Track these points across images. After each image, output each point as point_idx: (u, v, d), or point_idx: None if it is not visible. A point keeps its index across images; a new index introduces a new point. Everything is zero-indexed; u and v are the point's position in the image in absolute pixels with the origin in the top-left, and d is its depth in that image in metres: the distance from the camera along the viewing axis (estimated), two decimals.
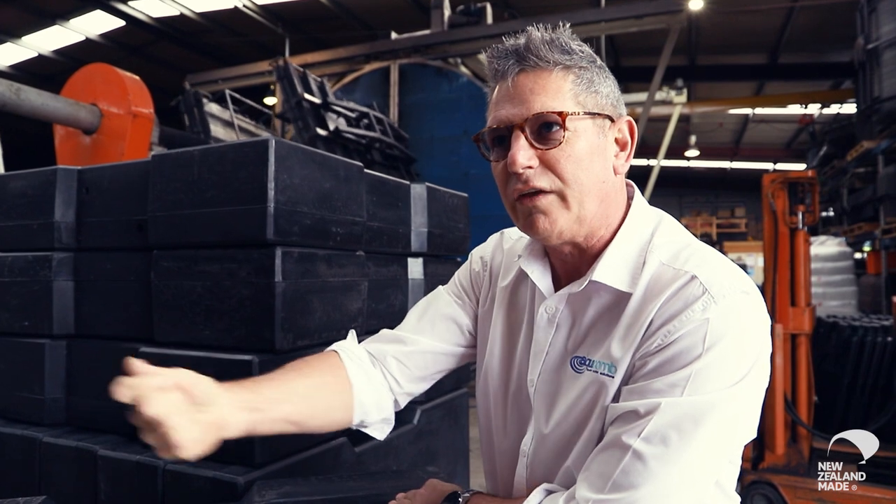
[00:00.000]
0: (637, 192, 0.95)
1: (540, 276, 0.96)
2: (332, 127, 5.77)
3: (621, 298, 0.86)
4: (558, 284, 0.96)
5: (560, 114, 0.83)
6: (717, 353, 0.76)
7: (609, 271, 0.86)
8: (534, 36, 0.86)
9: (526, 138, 0.84)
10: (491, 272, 1.10)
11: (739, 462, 0.90)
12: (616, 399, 0.82)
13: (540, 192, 0.84)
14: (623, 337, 0.83)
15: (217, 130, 6.57)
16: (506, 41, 0.88)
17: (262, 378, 0.96)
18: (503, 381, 1.02)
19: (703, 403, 0.75)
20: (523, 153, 0.83)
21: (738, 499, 0.93)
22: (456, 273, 1.17)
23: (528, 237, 1.00)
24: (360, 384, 1.03)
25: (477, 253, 1.16)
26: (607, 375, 0.84)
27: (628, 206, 0.93)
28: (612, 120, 0.89)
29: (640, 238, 0.89)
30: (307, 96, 5.73)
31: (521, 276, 1.02)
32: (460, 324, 1.10)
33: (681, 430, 0.74)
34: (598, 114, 0.87)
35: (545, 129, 0.84)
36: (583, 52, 0.87)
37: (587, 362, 0.87)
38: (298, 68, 6.30)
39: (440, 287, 1.17)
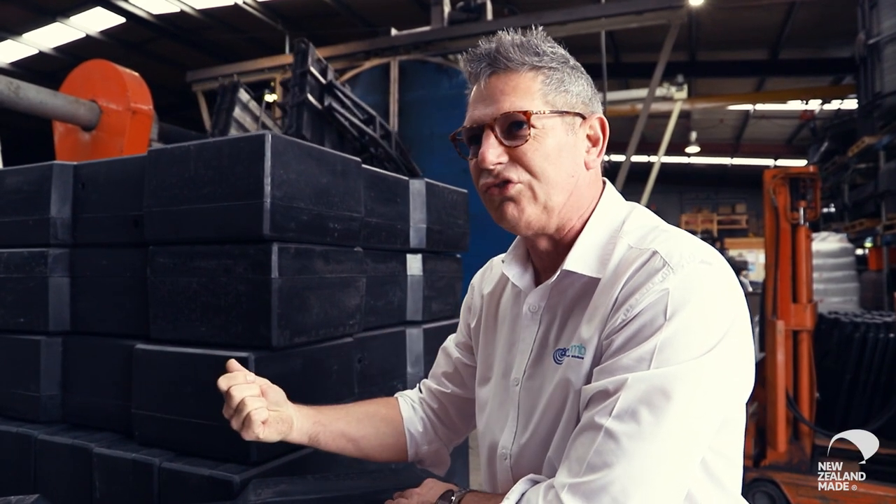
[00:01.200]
0: (610, 186, 0.98)
1: (519, 276, 1.00)
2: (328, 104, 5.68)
3: (592, 285, 0.87)
4: (539, 282, 0.98)
5: (525, 113, 0.87)
6: (681, 322, 0.75)
7: (579, 260, 0.89)
8: (504, 40, 0.90)
9: (495, 136, 0.88)
10: (481, 293, 1.16)
11: (741, 460, 0.88)
12: (588, 382, 0.82)
13: (508, 181, 0.88)
14: (590, 318, 0.85)
15: (247, 122, 6.48)
16: (480, 46, 0.92)
17: (331, 406, 1.16)
18: (495, 383, 1.03)
19: (672, 374, 0.74)
20: (493, 150, 0.88)
21: (744, 502, 0.91)
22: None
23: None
24: (408, 417, 1.20)
25: (472, 282, 1.23)
26: (577, 357, 0.84)
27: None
28: (583, 117, 0.92)
29: (611, 226, 0.92)
30: (313, 70, 5.65)
31: (507, 282, 1.06)
32: (458, 367, 1.20)
33: (651, 404, 0.73)
34: (568, 112, 0.90)
35: (514, 127, 0.88)
36: (554, 54, 0.91)
37: (565, 352, 0.88)
38: (321, 58, 6.28)
39: (450, 336, 1.27)
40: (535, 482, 0.84)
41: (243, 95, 6.51)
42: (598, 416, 0.75)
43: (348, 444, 1.13)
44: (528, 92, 0.88)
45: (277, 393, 1.06)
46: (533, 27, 0.93)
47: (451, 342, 1.24)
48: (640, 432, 0.73)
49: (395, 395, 1.27)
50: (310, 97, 5.46)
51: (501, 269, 1.04)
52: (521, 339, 0.97)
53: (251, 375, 1.05)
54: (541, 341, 0.94)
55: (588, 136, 0.93)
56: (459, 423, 1.22)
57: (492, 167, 0.88)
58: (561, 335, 0.91)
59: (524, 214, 0.89)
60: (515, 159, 0.88)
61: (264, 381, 1.06)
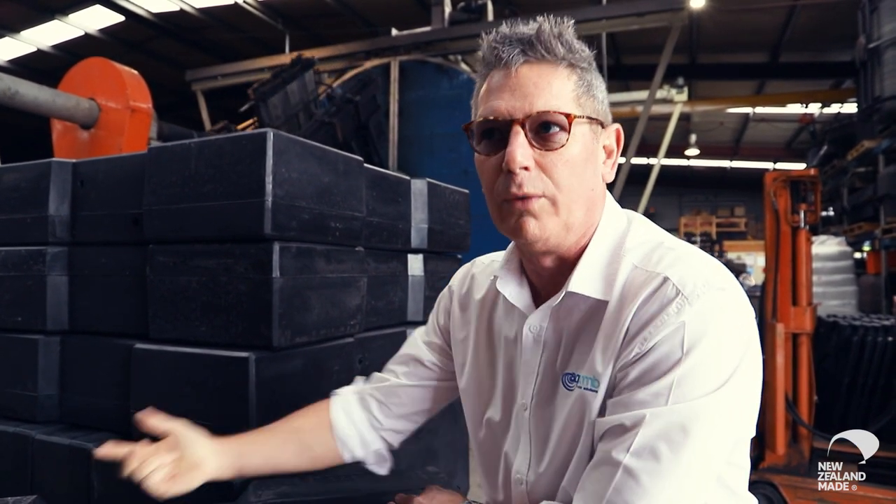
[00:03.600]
0: (608, 195, 0.92)
1: (517, 296, 0.92)
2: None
3: (599, 307, 0.83)
4: (538, 300, 0.92)
5: (567, 116, 0.79)
6: (698, 356, 0.73)
7: (584, 281, 0.83)
8: (545, 27, 0.81)
9: (526, 136, 0.79)
10: (460, 300, 1.09)
11: (748, 463, 0.88)
12: (602, 413, 0.79)
13: (532, 195, 0.80)
14: (604, 349, 0.80)
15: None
16: (509, 27, 0.83)
17: (255, 431, 1.11)
18: (499, 404, 0.97)
19: (690, 410, 0.71)
20: (522, 152, 0.78)
21: (754, 499, 0.90)
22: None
23: (499, 260, 0.99)
24: (339, 423, 1.11)
25: (448, 285, 1.16)
26: (591, 390, 0.81)
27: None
28: (602, 126, 0.86)
29: (613, 242, 0.86)
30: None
31: (499, 296, 0.98)
32: (423, 360, 1.13)
33: (670, 440, 0.71)
34: (594, 119, 0.83)
35: (545, 129, 0.79)
36: (584, 53, 0.84)
37: (576, 378, 0.84)
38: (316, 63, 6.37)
39: (417, 332, 1.20)
40: None
41: (309, 76, 6.38)
42: (616, 451, 0.73)
43: (276, 467, 1.09)
44: (562, 91, 0.80)
45: (186, 436, 1.02)
46: (565, 20, 0.83)
47: (419, 339, 1.16)
48: (659, 470, 0.71)
49: (332, 394, 1.18)
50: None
51: (490, 280, 0.98)
52: (524, 362, 0.91)
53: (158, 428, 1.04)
54: (547, 365, 0.89)
55: (604, 147, 0.87)
56: (409, 418, 1.14)
57: (518, 171, 0.78)
58: (569, 360, 0.86)
59: (545, 232, 0.81)
60: (543, 167, 0.79)
61: (170, 427, 1.03)
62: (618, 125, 0.90)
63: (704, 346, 0.73)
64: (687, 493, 0.72)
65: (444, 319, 1.13)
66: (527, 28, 0.82)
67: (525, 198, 0.80)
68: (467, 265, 1.14)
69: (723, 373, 0.73)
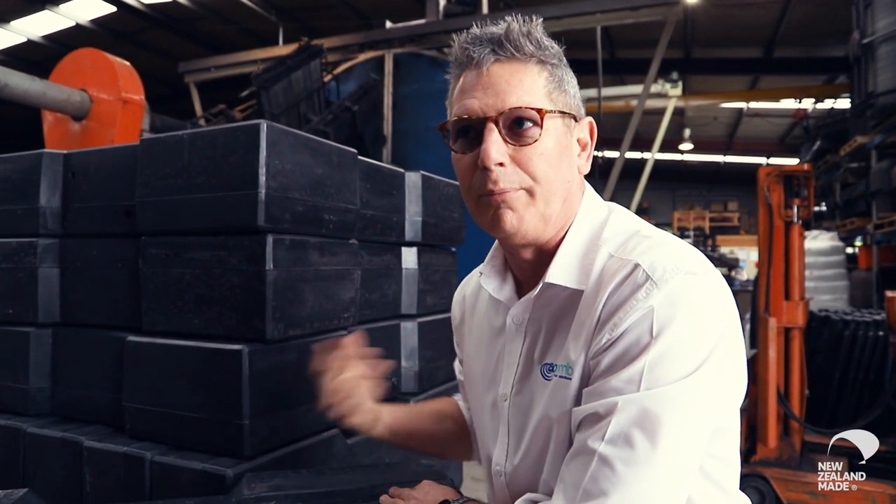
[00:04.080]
0: (588, 187, 0.93)
1: (498, 289, 0.95)
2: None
3: (576, 296, 0.83)
4: (522, 293, 0.93)
5: (539, 111, 0.81)
6: (668, 340, 0.72)
7: (561, 272, 0.84)
8: (513, 26, 0.83)
9: (499, 132, 0.81)
10: (462, 309, 1.13)
11: (737, 459, 0.88)
12: (578, 403, 0.79)
13: (508, 188, 0.82)
14: (576, 336, 0.81)
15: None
16: (478, 28, 0.85)
17: (410, 406, 1.23)
18: (483, 395, 1.00)
19: (663, 396, 0.71)
20: (496, 148, 0.80)
21: (746, 499, 0.90)
22: None
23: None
24: (469, 420, 1.18)
25: (454, 298, 1.20)
26: (565, 378, 0.81)
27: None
28: (576, 119, 0.87)
29: (590, 232, 0.87)
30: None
31: (482, 293, 1.02)
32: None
33: (643, 427, 0.71)
34: (567, 113, 0.85)
35: (518, 125, 0.81)
36: (553, 49, 0.86)
37: (553, 368, 0.84)
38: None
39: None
40: (534, 502, 0.83)
41: (315, 65, 6.27)
42: (591, 440, 0.73)
43: (419, 446, 1.19)
44: (534, 87, 0.82)
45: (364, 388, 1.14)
46: (533, 18, 0.85)
47: (457, 364, 1.23)
48: (634, 457, 0.70)
49: (454, 397, 1.27)
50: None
51: (477, 281, 1.01)
52: (506, 353, 0.93)
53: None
54: (526, 355, 0.90)
55: (578, 140, 0.89)
56: None
57: (493, 167, 0.80)
58: (548, 350, 0.87)
59: (523, 224, 0.83)
60: (518, 161, 0.81)
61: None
62: (591, 118, 0.91)
63: (674, 330, 0.73)
64: (664, 481, 0.71)
65: (455, 332, 1.18)
66: (496, 28, 0.84)
67: (502, 192, 0.82)
68: (466, 278, 1.18)
69: (696, 357, 0.73)
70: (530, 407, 0.88)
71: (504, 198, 0.82)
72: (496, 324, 0.98)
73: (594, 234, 0.86)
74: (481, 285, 0.98)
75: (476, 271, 1.11)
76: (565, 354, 0.82)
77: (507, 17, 0.84)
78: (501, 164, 0.81)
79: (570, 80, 0.87)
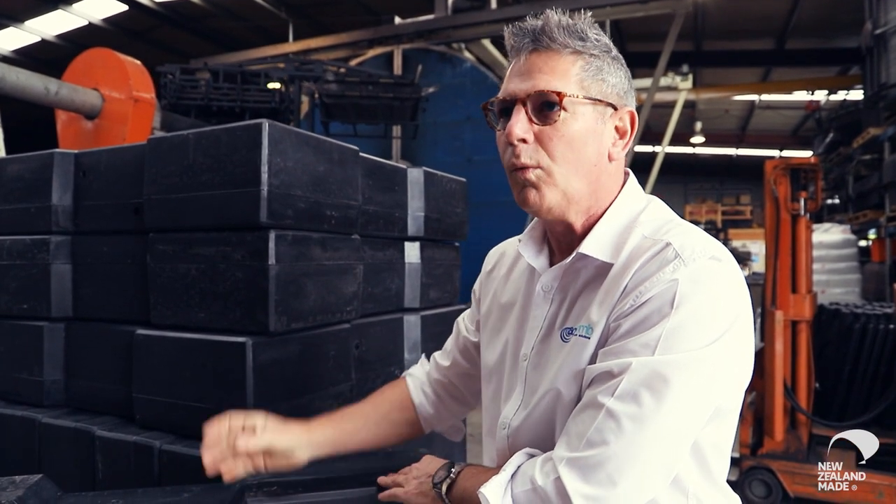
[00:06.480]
0: (632, 178, 1.00)
1: (534, 256, 1.01)
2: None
3: (605, 269, 0.89)
4: (554, 264, 0.99)
5: (559, 94, 0.87)
6: (687, 313, 0.78)
7: (595, 245, 0.90)
8: (551, 19, 0.90)
9: (526, 112, 0.88)
10: (495, 273, 1.17)
11: (730, 451, 0.91)
12: (593, 362, 0.85)
13: (528, 166, 0.89)
14: (601, 302, 0.87)
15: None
16: (528, 20, 0.92)
17: (343, 411, 1.20)
18: (504, 358, 1.04)
19: (673, 363, 0.76)
20: (520, 125, 0.88)
21: (737, 498, 0.94)
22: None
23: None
24: (419, 402, 1.24)
25: (486, 259, 1.23)
26: (584, 337, 0.87)
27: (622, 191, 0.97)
28: (614, 108, 0.92)
29: (628, 216, 0.93)
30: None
31: (521, 261, 1.07)
32: (469, 339, 1.21)
33: (652, 388, 0.76)
34: (601, 101, 0.90)
35: (546, 107, 0.88)
36: (598, 41, 0.91)
37: (573, 331, 0.90)
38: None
39: (464, 313, 1.27)
40: (531, 455, 0.87)
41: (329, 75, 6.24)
42: (601, 395, 0.78)
43: (370, 447, 1.20)
44: (564, 74, 0.88)
45: (270, 427, 1.10)
46: (582, 11, 0.93)
47: (463, 319, 1.26)
48: (640, 414, 0.76)
49: (404, 374, 1.30)
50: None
51: (517, 248, 1.05)
52: (532, 317, 0.98)
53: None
54: (550, 320, 0.96)
55: (616, 128, 0.94)
56: (468, 396, 1.24)
57: (516, 142, 0.88)
58: (570, 315, 0.92)
59: (545, 201, 0.89)
60: (540, 140, 0.88)
61: (252, 422, 1.10)
62: (631, 108, 0.96)
63: (694, 306, 0.78)
64: (662, 442, 0.77)
65: (479, 292, 1.21)
66: (537, 20, 0.91)
67: (524, 168, 0.89)
68: (502, 244, 1.22)
69: (710, 334, 0.78)
70: (546, 366, 0.93)
71: (526, 175, 0.89)
72: (528, 290, 1.03)
73: (632, 218, 0.92)
74: (519, 252, 1.04)
75: (516, 238, 1.16)
76: (587, 317, 0.88)
77: (548, 10, 0.91)
78: (524, 141, 0.88)
79: (614, 71, 0.92)
